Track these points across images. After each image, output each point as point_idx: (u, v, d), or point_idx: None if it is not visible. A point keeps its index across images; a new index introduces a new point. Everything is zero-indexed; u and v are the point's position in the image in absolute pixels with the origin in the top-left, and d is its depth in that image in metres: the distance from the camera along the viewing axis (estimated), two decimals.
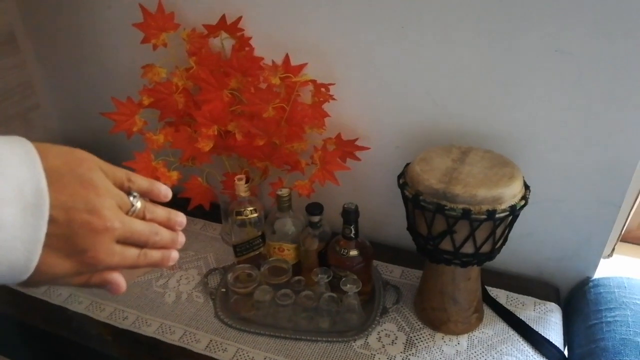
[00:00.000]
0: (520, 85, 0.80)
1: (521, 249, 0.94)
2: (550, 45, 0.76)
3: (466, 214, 0.67)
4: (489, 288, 0.92)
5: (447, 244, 0.72)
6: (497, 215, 0.67)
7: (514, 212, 0.68)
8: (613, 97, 0.76)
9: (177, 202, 1.12)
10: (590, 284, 0.90)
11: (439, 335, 0.83)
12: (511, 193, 0.69)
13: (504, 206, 0.68)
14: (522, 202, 0.70)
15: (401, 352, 0.81)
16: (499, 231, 0.71)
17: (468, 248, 0.72)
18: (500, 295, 0.91)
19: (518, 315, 0.86)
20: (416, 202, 0.71)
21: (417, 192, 0.71)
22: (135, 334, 0.85)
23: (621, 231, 1.09)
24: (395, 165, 0.84)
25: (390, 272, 0.98)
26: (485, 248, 0.73)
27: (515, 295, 0.91)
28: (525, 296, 0.91)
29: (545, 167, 0.85)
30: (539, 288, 0.93)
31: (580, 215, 0.88)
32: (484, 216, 0.67)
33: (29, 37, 1.15)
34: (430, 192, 0.69)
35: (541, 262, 0.95)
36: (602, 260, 1.07)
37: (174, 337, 0.84)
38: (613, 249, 1.11)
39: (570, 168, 0.84)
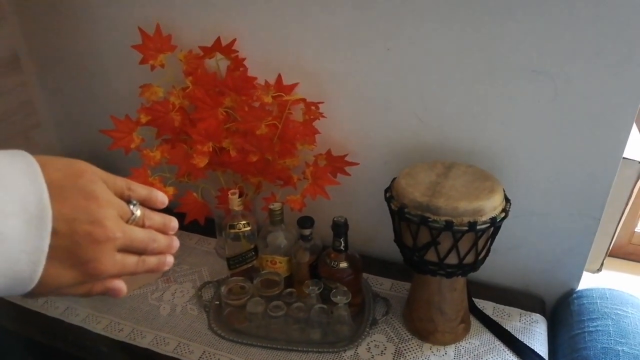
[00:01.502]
0: (501, 103, 0.84)
1: (507, 261, 0.97)
2: (528, 66, 0.80)
3: (449, 225, 0.70)
4: (475, 300, 0.94)
5: (432, 255, 0.75)
6: (478, 227, 0.70)
7: (494, 223, 0.71)
8: (588, 114, 0.80)
9: (175, 215, 1.15)
10: (574, 295, 0.93)
11: (426, 345, 0.85)
12: (492, 205, 0.72)
13: (484, 218, 0.71)
14: (503, 215, 0.73)
15: (391, 355, 0.83)
16: (481, 242, 0.74)
17: (452, 259, 0.75)
18: (487, 306, 0.94)
19: (504, 326, 0.88)
20: (401, 214, 0.74)
21: (402, 204, 0.74)
22: (130, 345, 0.87)
23: (609, 246, 1.12)
24: (383, 181, 0.87)
25: (380, 284, 1.01)
26: (469, 259, 0.75)
27: (502, 306, 0.94)
28: (511, 307, 0.94)
29: (526, 181, 0.88)
30: (525, 300, 0.96)
31: (562, 228, 0.91)
32: (466, 227, 0.70)
33: (30, 58, 1.19)
34: (415, 205, 0.72)
35: (526, 274, 0.98)
36: (591, 275, 1.10)
37: (168, 348, 0.86)
38: (602, 264, 1.14)
39: (550, 182, 0.87)
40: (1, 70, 0.85)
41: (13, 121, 0.89)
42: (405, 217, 0.73)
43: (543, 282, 0.97)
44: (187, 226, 1.09)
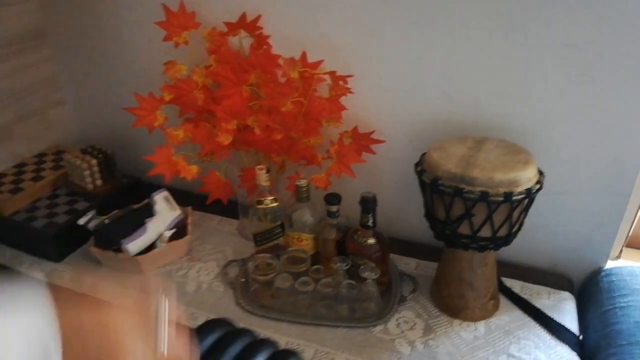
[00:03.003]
0: (532, 79, 0.83)
1: (535, 240, 0.96)
2: (559, 40, 0.79)
3: (484, 196, 0.69)
4: (503, 278, 0.93)
5: (465, 228, 0.75)
6: (514, 198, 0.69)
7: (529, 194, 0.71)
8: (619, 90, 0.79)
9: (196, 196, 1.15)
10: (603, 273, 0.92)
11: (456, 321, 0.85)
12: (527, 177, 0.71)
13: (520, 189, 0.70)
14: (537, 186, 0.72)
15: (420, 337, 0.82)
16: (515, 214, 0.73)
17: (486, 232, 0.74)
18: (515, 285, 0.93)
19: (533, 304, 0.88)
20: (435, 187, 0.73)
21: (436, 177, 0.74)
22: None
23: (628, 233, 1.11)
24: (408, 160, 0.87)
25: (406, 264, 1.00)
26: (502, 232, 0.75)
27: (530, 285, 0.93)
28: (539, 286, 0.93)
29: (556, 158, 0.87)
30: (553, 278, 0.95)
31: (591, 206, 0.90)
32: (501, 198, 0.69)
33: (55, 34, 1.18)
34: (449, 177, 0.72)
35: (554, 254, 0.97)
36: (610, 262, 1.09)
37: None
38: (621, 251, 1.13)
39: (579, 159, 0.86)
40: (27, 45, 0.84)
41: (38, 96, 0.89)
42: (438, 189, 0.73)
43: (571, 261, 0.96)
44: (208, 207, 1.09)
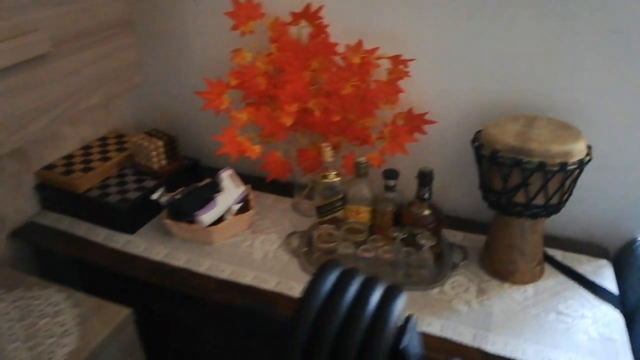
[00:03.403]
0: (579, 63, 0.91)
1: (574, 214, 1.04)
2: (606, 27, 0.87)
3: (542, 166, 0.77)
4: (546, 248, 1.01)
5: (520, 197, 0.83)
6: (568, 167, 0.77)
7: (581, 165, 0.79)
8: None
9: (257, 175, 1.24)
10: (636, 242, 1.00)
11: (506, 284, 0.93)
12: (579, 149, 0.79)
13: (573, 159, 0.78)
14: (588, 158, 0.80)
15: (475, 298, 0.91)
16: (567, 183, 0.81)
17: (539, 200, 0.83)
18: (557, 254, 1.01)
19: (574, 269, 0.96)
20: (494, 158, 0.81)
21: (494, 150, 0.82)
22: (233, 282, 0.95)
23: None
24: (455, 139, 0.95)
25: (453, 236, 1.08)
26: (555, 200, 0.83)
27: (569, 254, 1.01)
28: (579, 254, 1.01)
29: (597, 134, 0.95)
30: (590, 249, 1.03)
31: (628, 180, 0.98)
32: (557, 168, 0.77)
33: (139, 23, 1.23)
34: (508, 149, 0.80)
35: (591, 226, 1.05)
36: None
37: (268, 285, 0.94)
38: None
39: (621, 135, 0.94)
40: (115, 31, 0.92)
41: (123, 79, 0.98)
42: (497, 161, 0.81)
43: (607, 233, 1.04)
44: (262, 187, 1.18)
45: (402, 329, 0.51)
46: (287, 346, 0.51)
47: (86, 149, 1.26)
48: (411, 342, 0.51)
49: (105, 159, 1.21)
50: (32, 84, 0.77)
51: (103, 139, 1.31)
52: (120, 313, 0.94)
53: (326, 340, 0.50)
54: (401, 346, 0.48)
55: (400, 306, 0.51)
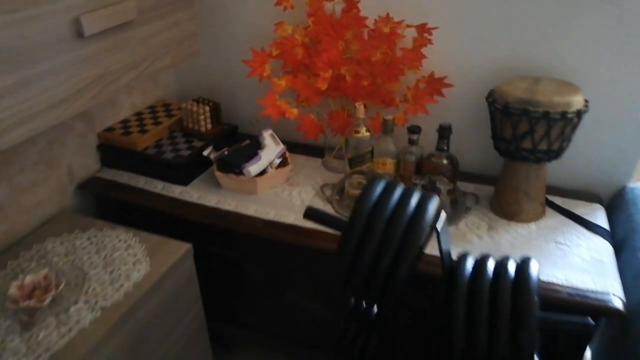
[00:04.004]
0: (578, 30, 1.06)
1: (571, 166, 1.19)
2: None
3: (545, 114, 0.92)
4: (547, 196, 1.17)
5: (527, 143, 0.98)
6: (568, 116, 0.93)
7: (579, 114, 0.94)
8: None
9: (291, 140, 1.40)
10: (627, 188, 1.15)
11: (513, 222, 1.09)
12: (578, 101, 0.94)
13: (572, 109, 0.93)
14: (586, 108, 0.95)
15: (486, 232, 1.06)
16: (567, 131, 0.96)
17: (543, 145, 0.98)
18: (556, 200, 1.17)
19: (572, 211, 1.11)
20: (506, 109, 0.97)
21: (506, 102, 0.97)
22: (278, 222, 1.11)
23: None
24: (470, 103, 1.10)
25: (467, 187, 1.24)
26: (555, 146, 0.98)
27: (568, 200, 1.17)
28: (576, 200, 1.16)
29: (594, 93, 1.09)
30: (585, 196, 1.19)
31: (618, 135, 1.13)
32: (559, 116, 0.92)
33: None
34: (517, 101, 0.95)
35: (588, 176, 1.20)
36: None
37: (308, 224, 1.10)
38: None
39: (609, 92, 1.09)
40: (175, 5, 1.07)
41: (185, 47, 1.13)
42: (509, 111, 0.96)
43: (601, 182, 1.19)
44: (296, 149, 1.34)
45: (435, 222, 0.66)
46: (347, 236, 0.67)
47: (138, 115, 1.42)
48: (442, 232, 0.67)
49: (157, 123, 1.37)
50: (121, 46, 0.92)
51: (152, 107, 1.47)
52: (182, 247, 1.10)
53: (378, 229, 0.65)
54: (437, 226, 0.64)
55: (435, 205, 0.67)
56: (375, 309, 0.89)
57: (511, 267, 0.66)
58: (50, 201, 1.22)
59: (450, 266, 0.69)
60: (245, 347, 1.52)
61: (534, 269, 0.65)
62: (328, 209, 1.16)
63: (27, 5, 0.73)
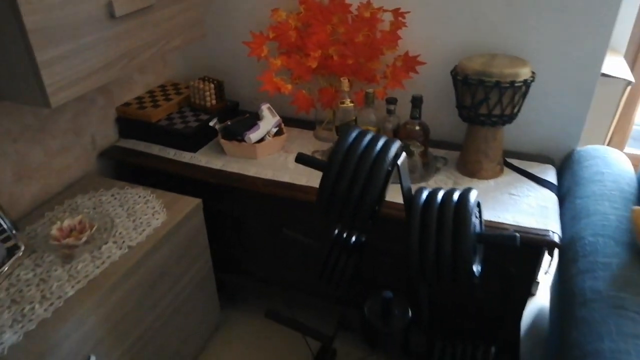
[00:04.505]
0: (528, 14, 1.24)
1: (528, 133, 1.38)
2: None
3: (497, 83, 1.11)
4: (505, 158, 1.36)
5: (484, 108, 1.16)
6: (516, 84, 1.11)
7: (526, 83, 1.13)
8: (583, 14, 1.19)
9: (289, 108, 1.59)
10: (575, 151, 1.34)
11: (475, 179, 1.28)
12: (524, 72, 1.13)
13: (520, 79, 1.12)
14: (531, 78, 1.14)
15: (451, 186, 1.25)
16: (516, 98, 1.15)
17: (497, 111, 1.16)
18: (514, 162, 1.35)
19: (527, 170, 1.30)
20: (465, 81, 1.15)
21: (466, 75, 1.15)
22: (276, 181, 1.30)
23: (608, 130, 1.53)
24: (439, 76, 1.28)
25: (437, 152, 1.42)
26: (507, 111, 1.17)
27: (524, 161, 1.36)
28: (531, 162, 1.35)
29: (542, 68, 1.28)
30: (540, 158, 1.37)
31: (566, 104, 1.31)
32: (508, 84, 1.11)
33: None
34: (474, 73, 1.14)
35: (541, 141, 1.39)
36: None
37: (301, 182, 1.29)
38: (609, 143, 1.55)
39: (557, 69, 1.27)
40: None
41: (194, 30, 1.30)
42: (468, 82, 1.14)
43: (553, 147, 1.38)
44: (289, 123, 1.52)
45: (396, 159, 0.85)
46: (326, 172, 0.85)
47: (150, 92, 1.60)
48: (402, 168, 0.85)
49: (168, 99, 1.55)
50: (143, 26, 1.10)
51: (162, 86, 1.65)
52: (193, 202, 1.28)
53: (350, 165, 0.83)
54: (398, 163, 0.83)
55: (396, 146, 0.85)
56: (353, 239, 1.09)
57: (455, 195, 0.84)
58: (76, 165, 1.40)
59: (409, 195, 0.88)
60: (247, 298, 1.71)
61: (473, 196, 0.84)
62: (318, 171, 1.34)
63: None
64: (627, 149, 2.12)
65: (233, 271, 1.57)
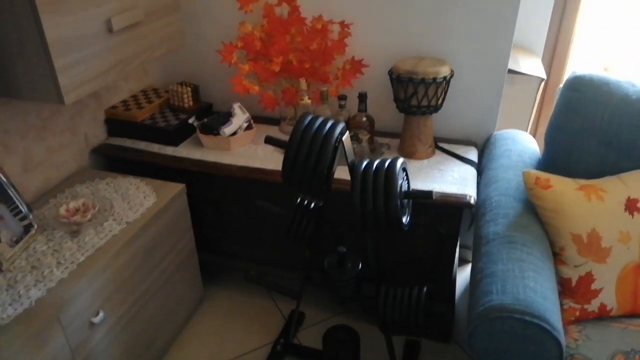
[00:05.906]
0: (449, 24, 1.54)
1: (454, 122, 1.68)
2: (459, 2, 1.50)
3: (422, 80, 1.40)
4: (438, 142, 1.65)
5: (414, 101, 1.45)
6: (437, 80, 1.40)
7: (446, 79, 1.42)
8: (484, 9, 1.50)
9: (256, 107, 1.86)
10: (492, 135, 1.65)
11: (412, 160, 1.56)
12: (444, 70, 1.42)
13: (440, 76, 1.41)
14: (450, 75, 1.44)
15: None
16: (439, 91, 1.44)
17: (424, 102, 1.45)
18: (445, 146, 1.65)
19: (454, 151, 1.60)
20: (398, 79, 1.43)
21: (399, 74, 1.44)
22: (248, 167, 1.55)
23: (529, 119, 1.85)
24: (380, 76, 1.56)
25: (382, 140, 1.70)
26: (433, 102, 1.46)
27: (452, 145, 1.65)
28: (458, 145, 1.65)
29: (461, 68, 1.58)
30: (466, 142, 1.67)
31: (484, 97, 1.62)
32: (431, 81, 1.40)
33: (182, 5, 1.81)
34: (405, 72, 1.42)
35: (467, 129, 1.69)
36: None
37: (270, 166, 1.54)
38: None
39: (472, 69, 1.58)
40: (168, 10, 1.49)
41: (174, 40, 1.54)
42: (400, 79, 1.43)
43: (475, 132, 1.68)
44: (257, 120, 1.77)
45: (341, 136, 1.12)
46: (288, 149, 1.11)
47: (134, 97, 1.82)
48: (346, 143, 1.12)
49: (150, 102, 1.77)
50: (133, 39, 1.33)
51: (144, 91, 1.87)
52: (178, 186, 1.52)
53: (306, 142, 1.09)
54: (342, 139, 1.09)
55: (340, 127, 1.12)
56: (312, 205, 1.35)
57: (386, 163, 1.12)
58: (72, 161, 1.61)
59: (352, 165, 1.15)
60: (227, 276, 1.94)
61: (398, 163, 1.12)
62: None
63: (81, 10, 1.14)
64: None
65: (213, 251, 1.80)
